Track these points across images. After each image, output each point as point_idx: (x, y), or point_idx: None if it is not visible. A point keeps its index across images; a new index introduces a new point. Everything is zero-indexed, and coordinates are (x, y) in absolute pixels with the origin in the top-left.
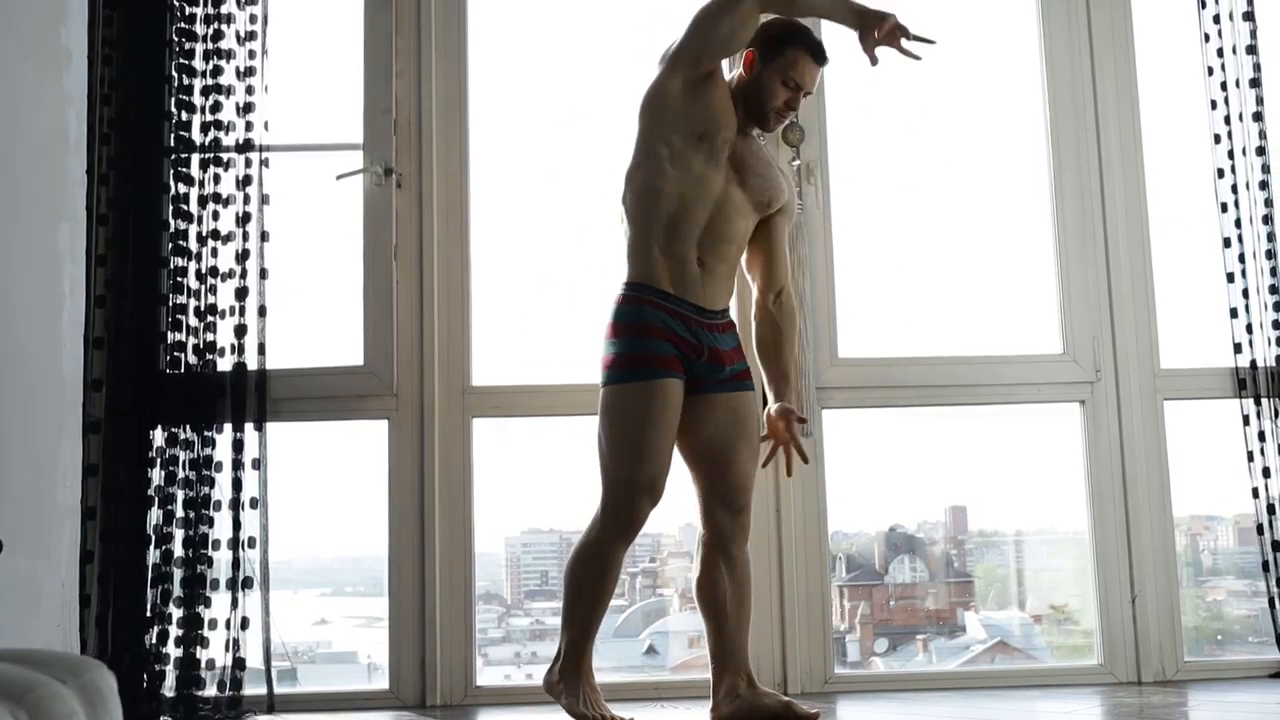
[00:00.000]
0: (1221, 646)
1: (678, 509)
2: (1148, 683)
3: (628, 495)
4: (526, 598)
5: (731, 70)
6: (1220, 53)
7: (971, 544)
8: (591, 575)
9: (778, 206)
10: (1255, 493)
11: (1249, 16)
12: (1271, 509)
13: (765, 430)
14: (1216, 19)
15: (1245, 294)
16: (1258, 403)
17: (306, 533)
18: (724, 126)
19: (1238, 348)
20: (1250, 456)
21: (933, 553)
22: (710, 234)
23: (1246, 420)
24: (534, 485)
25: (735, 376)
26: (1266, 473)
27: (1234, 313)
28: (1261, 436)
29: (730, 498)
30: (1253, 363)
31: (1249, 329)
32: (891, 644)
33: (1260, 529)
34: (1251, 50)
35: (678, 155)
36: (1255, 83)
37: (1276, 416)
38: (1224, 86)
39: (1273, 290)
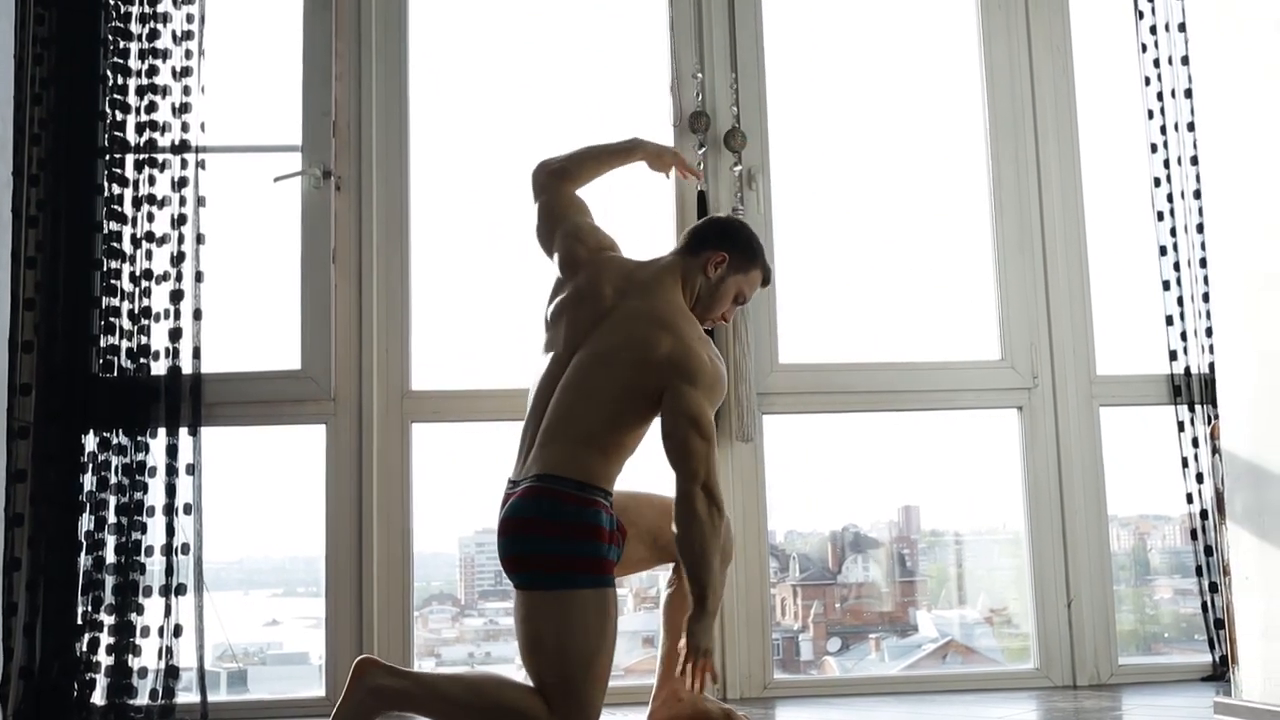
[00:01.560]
0: (1169, 644)
1: None
2: (1083, 686)
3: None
4: (480, 598)
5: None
6: (1157, 63)
7: (924, 544)
8: None
9: None
10: (1189, 498)
11: (1185, 27)
12: (1204, 514)
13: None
14: (1154, 30)
15: (1180, 302)
16: (1191, 409)
17: (248, 537)
18: None
19: (1173, 355)
20: (1185, 462)
21: (885, 552)
22: None
23: (1181, 426)
24: (485, 486)
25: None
26: (1200, 478)
27: (1169, 320)
28: (1195, 443)
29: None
30: (1187, 369)
31: (1184, 336)
32: (845, 643)
33: (1194, 534)
34: (1187, 61)
35: None
36: (1190, 93)
37: (1209, 422)
38: (1160, 96)
39: (1206, 298)
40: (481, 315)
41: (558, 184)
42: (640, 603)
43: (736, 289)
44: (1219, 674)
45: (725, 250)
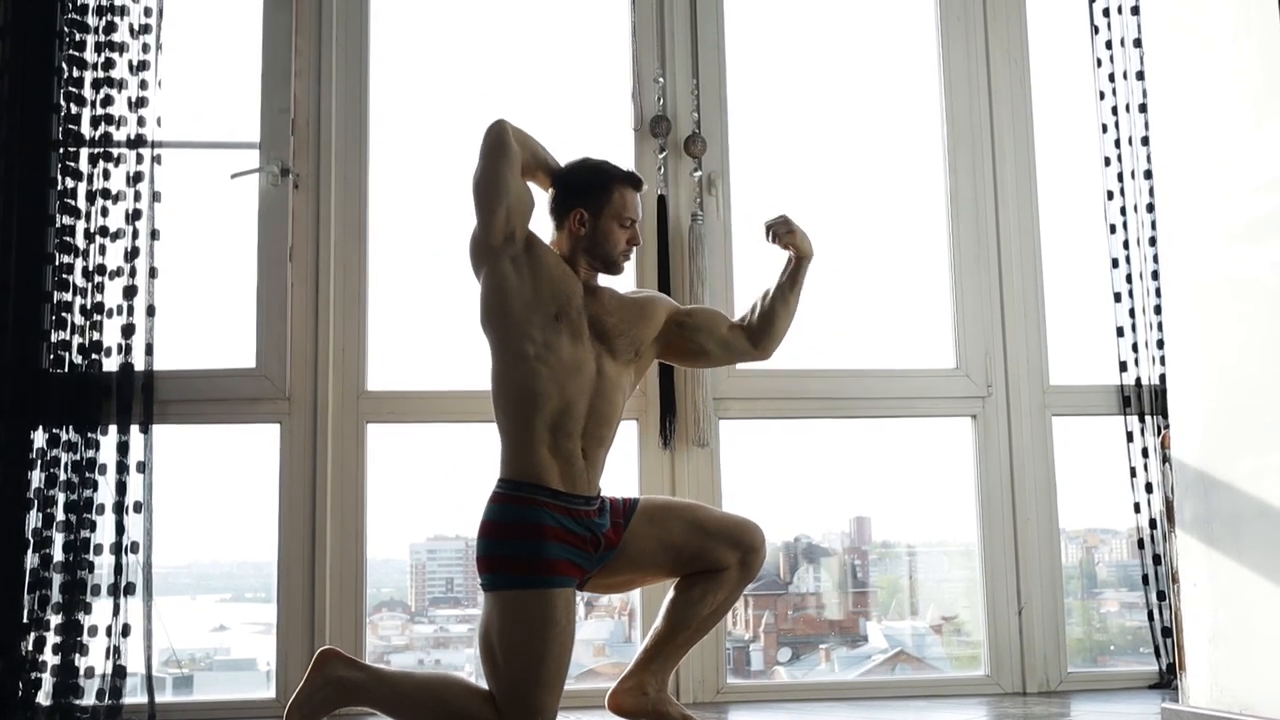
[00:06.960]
0: (1114, 657)
1: None
2: (1032, 693)
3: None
4: (431, 605)
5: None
6: (1112, 78)
7: (875, 555)
8: None
9: (655, 333)
10: (1137, 507)
11: (1139, 43)
12: (1153, 524)
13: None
14: (1109, 45)
15: (1131, 313)
16: (1141, 420)
17: (197, 540)
18: (573, 295)
19: (1123, 366)
20: (1133, 472)
21: (836, 563)
22: (592, 420)
23: (1130, 437)
24: (438, 491)
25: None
26: (1149, 488)
27: (1120, 331)
28: (1145, 453)
29: (717, 533)
30: (1137, 380)
31: (1135, 348)
32: (795, 653)
33: (1141, 543)
34: (1141, 76)
35: (544, 348)
36: (1144, 108)
37: (1159, 433)
38: (1115, 111)
39: (1157, 310)
40: (438, 316)
41: (517, 168)
42: (591, 612)
43: (613, 221)
44: (1165, 682)
45: (578, 206)
